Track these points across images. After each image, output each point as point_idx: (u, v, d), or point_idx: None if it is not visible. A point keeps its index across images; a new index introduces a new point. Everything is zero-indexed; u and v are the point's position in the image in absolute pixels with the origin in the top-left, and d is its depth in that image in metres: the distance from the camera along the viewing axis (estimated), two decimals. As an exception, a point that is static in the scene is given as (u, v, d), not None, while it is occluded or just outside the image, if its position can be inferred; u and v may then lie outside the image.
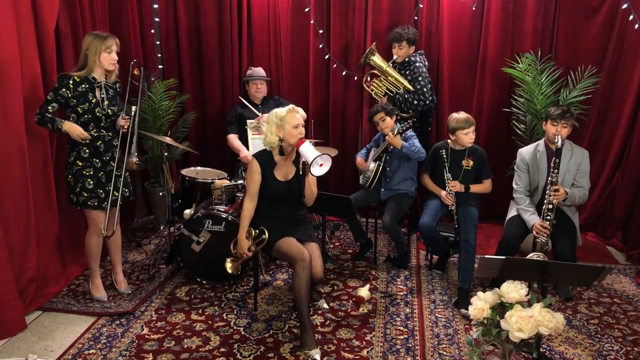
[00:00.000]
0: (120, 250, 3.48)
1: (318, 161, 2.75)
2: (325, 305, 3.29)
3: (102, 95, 3.07)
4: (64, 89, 2.97)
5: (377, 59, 4.15)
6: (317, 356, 2.76)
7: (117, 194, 3.18)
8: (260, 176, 3.01)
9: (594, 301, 3.39)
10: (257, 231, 3.02)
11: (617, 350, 2.88)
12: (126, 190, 3.29)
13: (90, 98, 3.02)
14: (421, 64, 4.14)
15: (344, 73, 4.56)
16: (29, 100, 3.04)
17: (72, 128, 2.98)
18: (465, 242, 3.39)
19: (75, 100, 3.00)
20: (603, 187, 4.30)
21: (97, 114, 3.05)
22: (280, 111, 2.95)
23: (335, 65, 4.57)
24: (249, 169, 3.04)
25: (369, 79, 4.28)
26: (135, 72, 3.25)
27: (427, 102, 4.11)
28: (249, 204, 3.04)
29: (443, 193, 3.58)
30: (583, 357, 2.81)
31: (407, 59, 4.16)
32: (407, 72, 4.15)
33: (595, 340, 2.97)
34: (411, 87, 4.11)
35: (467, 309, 3.22)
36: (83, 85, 3.01)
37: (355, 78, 4.55)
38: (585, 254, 3.99)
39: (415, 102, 4.09)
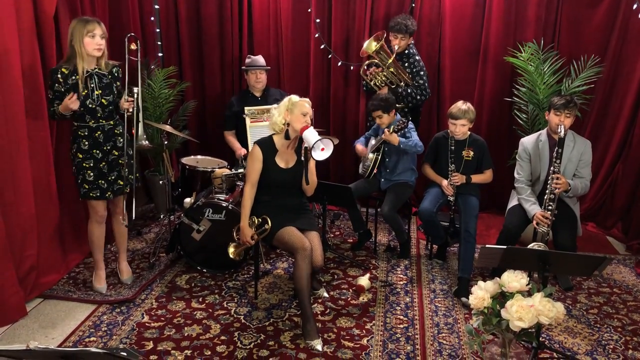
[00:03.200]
0: (126, 239, 3.45)
1: (320, 145, 2.75)
2: (326, 294, 3.29)
3: (92, 85, 2.98)
4: (56, 84, 2.91)
5: (383, 53, 4.07)
6: (319, 346, 2.77)
7: (121, 182, 3.16)
8: (261, 164, 3.00)
9: (594, 291, 3.40)
10: (260, 219, 3.02)
11: (617, 339, 2.89)
12: (132, 177, 3.24)
13: (81, 90, 2.94)
14: (419, 57, 4.10)
15: (339, 64, 4.52)
16: (28, 88, 3.02)
17: (63, 105, 2.89)
18: (466, 232, 3.38)
19: (67, 94, 2.91)
20: (604, 177, 4.29)
21: (89, 105, 2.98)
22: (295, 97, 3.01)
23: (330, 56, 4.53)
24: (251, 156, 3.03)
25: (366, 67, 4.17)
26: (132, 47, 3.15)
27: (428, 96, 4.10)
28: (250, 191, 3.04)
29: (444, 183, 3.58)
30: (582, 346, 2.82)
31: (405, 51, 4.10)
32: (406, 64, 4.09)
33: (594, 329, 2.98)
34: (410, 81, 4.06)
35: (467, 298, 3.24)
36: (73, 77, 2.92)
37: (352, 68, 4.51)
38: (586, 244, 3.99)
39: (419, 97, 4.06)
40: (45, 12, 3.11)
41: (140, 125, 3.16)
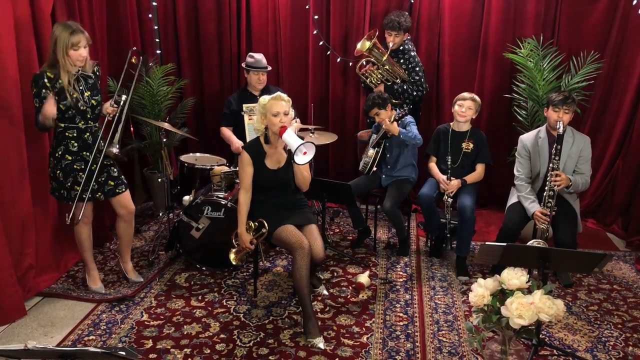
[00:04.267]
0: (131, 240, 3.40)
1: (302, 149, 2.69)
2: (325, 292, 3.28)
3: (82, 87, 2.93)
4: (43, 90, 2.81)
5: (377, 51, 4.07)
6: (321, 344, 2.75)
7: (112, 183, 3.12)
8: (252, 167, 2.96)
9: (594, 288, 3.39)
10: (257, 223, 2.99)
11: (617, 336, 2.88)
12: (112, 182, 3.15)
13: (71, 92, 2.88)
14: (415, 53, 4.11)
15: (338, 60, 4.50)
16: (25, 87, 2.99)
17: (44, 113, 2.81)
18: (461, 208, 3.42)
19: (56, 97, 2.85)
20: (604, 173, 4.28)
21: (81, 107, 2.93)
22: (264, 99, 2.92)
23: (328, 53, 4.50)
24: (240, 161, 2.99)
25: (364, 63, 4.15)
26: (133, 61, 3.13)
27: (424, 92, 4.11)
28: (244, 196, 2.99)
29: (442, 182, 3.59)
30: (582, 343, 2.82)
31: (401, 47, 4.10)
32: (402, 61, 4.10)
33: (594, 326, 2.98)
34: (406, 77, 4.07)
35: (464, 276, 3.38)
36: (59, 82, 2.86)
37: (350, 64, 4.50)
38: (586, 241, 3.98)
39: (415, 93, 4.06)
40: (42, 10, 3.09)
41: (118, 134, 3.06)
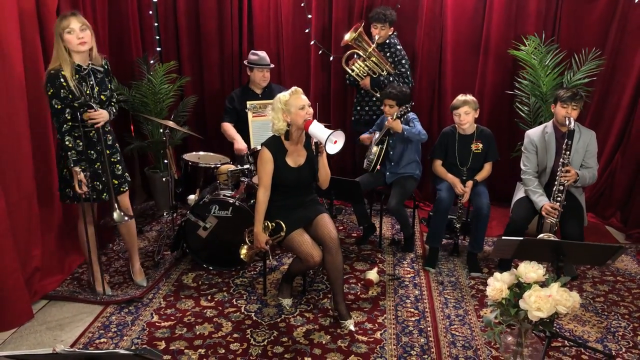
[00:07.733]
0: (135, 240, 3.36)
1: (332, 139, 2.68)
2: (352, 327, 2.92)
3: (92, 82, 2.86)
4: (62, 90, 2.75)
5: (363, 42, 4.08)
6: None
7: (116, 182, 3.07)
8: (272, 165, 2.89)
9: (598, 280, 3.45)
10: (274, 224, 2.94)
11: (625, 326, 2.94)
12: (116, 181, 3.11)
13: (84, 89, 2.82)
14: (401, 47, 4.15)
15: (331, 58, 4.50)
16: (30, 84, 2.94)
17: (75, 178, 2.85)
18: (478, 207, 3.46)
19: (71, 96, 2.79)
20: (603, 167, 4.33)
21: (92, 103, 2.87)
22: (283, 95, 2.86)
23: (320, 52, 4.49)
24: (261, 159, 2.91)
25: (355, 56, 4.17)
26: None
27: (411, 84, 4.15)
28: (263, 195, 2.92)
29: (459, 186, 3.55)
30: (592, 334, 2.87)
31: (387, 41, 4.14)
32: (388, 54, 4.14)
33: (602, 317, 3.03)
34: (392, 70, 4.12)
35: (477, 272, 3.40)
36: (75, 77, 2.79)
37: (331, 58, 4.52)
38: (586, 234, 3.95)
39: (401, 84, 4.08)
40: (47, 6, 3.03)
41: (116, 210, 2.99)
